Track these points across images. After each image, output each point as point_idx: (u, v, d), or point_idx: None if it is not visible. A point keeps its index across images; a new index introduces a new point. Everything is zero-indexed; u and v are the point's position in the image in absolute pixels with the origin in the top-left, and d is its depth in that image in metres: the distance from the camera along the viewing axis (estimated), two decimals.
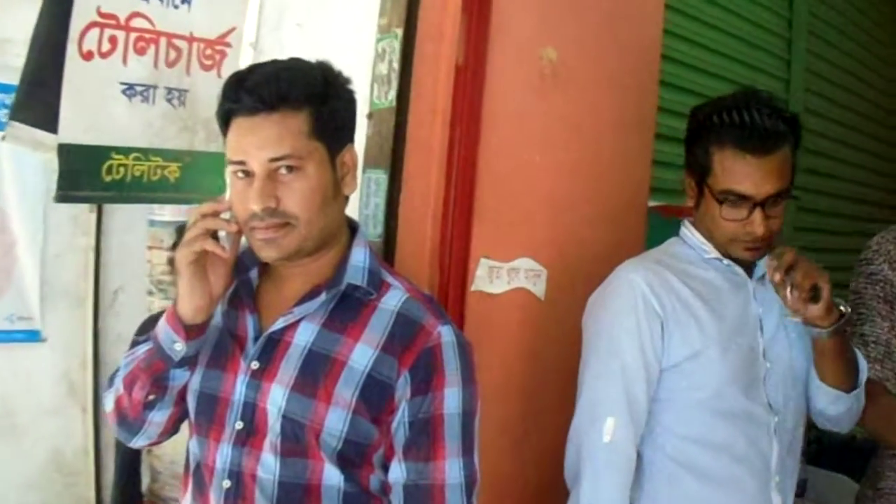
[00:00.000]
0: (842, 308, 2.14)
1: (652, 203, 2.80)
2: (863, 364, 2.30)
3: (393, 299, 1.76)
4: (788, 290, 2.07)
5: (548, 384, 2.26)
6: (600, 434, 2.06)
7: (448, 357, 1.73)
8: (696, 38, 3.56)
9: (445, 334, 1.73)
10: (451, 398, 1.73)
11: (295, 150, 1.66)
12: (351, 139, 1.79)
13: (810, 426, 4.25)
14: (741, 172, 2.06)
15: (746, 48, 4.00)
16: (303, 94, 1.69)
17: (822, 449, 4.60)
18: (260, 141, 1.66)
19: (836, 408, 2.26)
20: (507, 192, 2.24)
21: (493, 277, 2.22)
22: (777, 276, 2.06)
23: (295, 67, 1.74)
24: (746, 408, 2.13)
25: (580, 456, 2.09)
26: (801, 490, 3.66)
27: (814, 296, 2.07)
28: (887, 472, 2.66)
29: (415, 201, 2.15)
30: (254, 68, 1.76)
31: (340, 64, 1.77)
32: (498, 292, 2.24)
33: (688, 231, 2.22)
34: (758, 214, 2.06)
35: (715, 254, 2.17)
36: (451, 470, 1.73)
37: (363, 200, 2.22)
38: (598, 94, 2.46)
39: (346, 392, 1.69)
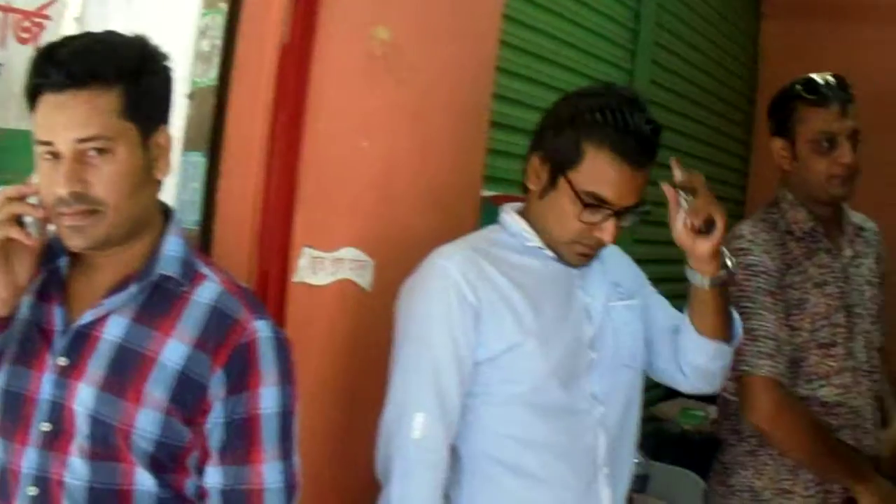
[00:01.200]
0: (728, 261, 2.16)
1: (486, 192, 2.81)
2: (737, 317, 2.33)
3: (207, 292, 1.71)
4: (681, 216, 2.09)
5: (376, 379, 2.22)
6: (410, 430, 2.03)
7: (264, 354, 1.69)
8: (537, 25, 3.56)
9: (262, 329, 1.70)
10: (268, 397, 1.69)
11: (105, 130, 1.60)
12: (166, 120, 1.73)
13: (647, 419, 4.36)
14: (613, 179, 2.06)
15: (591, 37, 4.04)
16: (115, 70, 1.62)
17: (658, 443, 4.72)
18: (67, 120, 1.60)
19: (715, 362, 2.28)
20: (332, 178, 2.20)
21: (316, 268, 2.17)
22: (671, 192, 2.09)
23: (109, 41, 1.68)
24: (568, 401, 2.14)
25: (389, 453, 2.06)
26: (643, 486, 3.73)
27: (707, 231, 2.09)
28: (739, 469, 2.74)
29: (234, 187, 2.09)
30: (66, 41, 1.69)
31: (164, 39, 1.71)
32: (322, 284, 2.20)
33: (509, 218, 2.21)
34: (612, 223, 2.07)
35: (537, 242, 2.15)
36: (269, 474, 1.70)
37: (181, 185, 2.16)
38: (432, 79, 2.43)
39: (156, 392, 1.64)
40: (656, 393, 5.05)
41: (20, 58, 2.48)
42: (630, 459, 2.33)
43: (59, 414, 1.65)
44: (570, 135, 2.08)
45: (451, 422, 2.08)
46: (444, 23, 2.48)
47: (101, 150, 1.61)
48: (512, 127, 3.25)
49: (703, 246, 2.08)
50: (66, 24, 2.62)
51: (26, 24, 2.54)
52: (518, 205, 2.24)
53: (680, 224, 2.10)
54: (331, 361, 2.26)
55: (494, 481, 2.13)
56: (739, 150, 6.07)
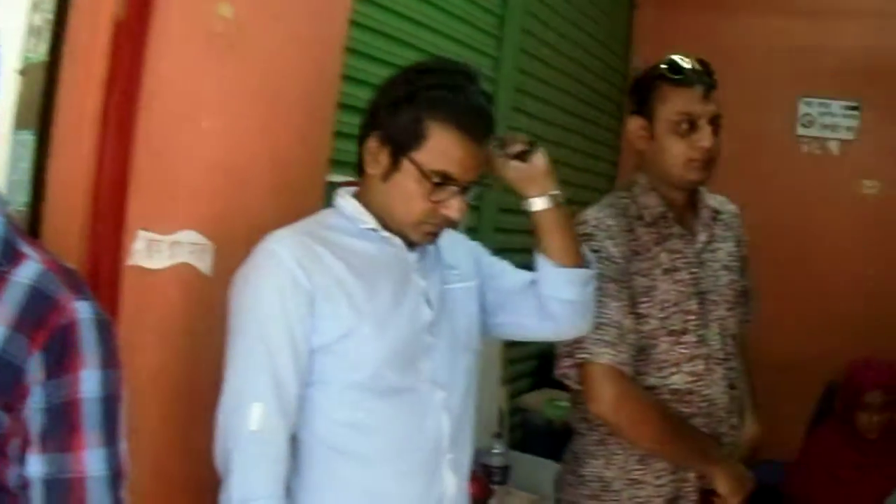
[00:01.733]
0: (555, 192, 2.24)
1: (336, 178, 2.81)
2: (588, 254, 2.40)
3: (26, 271, 1.64)
4: (501, 159, 2.20)
5: (218, 366, 2.20)
6: (247, 421, 2.00)
7: (85, 336, 1.63)
8: (394, 7, 3.56)
9: (82, 311, 1.63)
10: (89, 381, 1.63)
11: None
12: None
13: (514, 411, 4.40)
14: (459, 156, 2.06)
15: (454, 22, 4.05)
16: None
17: (525, 434, 4.77)
18: None
19: (583, 290, 2.31)
20: (170, 160, 2.15)
21: (152, 251, 2.12)
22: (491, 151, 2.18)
23: None
24: (408, 386, 2.13)
25: (228, 445, 2.03)
26: (504, 477, 3.76)
27: (523, 156, 2.19)
28: (589, 458, 2.75)
29: (65, 168, 2.03)
30: None
31: None
32: (158, 267, 2.15)
33: (343, 201, 2.20)
34: (459, 199, 2.07)
35: (372, 224, 2.15)
36: (92, 461, 1.64)
37: (11, 165, 2.09)
38: (277, 58, 2.40)
39: None
40: (523, 384, 5.10)
41: None
42: (470, 445, 2.35)
43: None
44: (411, 113, 2.08)
45: (289, 412, 2.05)
46: (289, 0, 2.45)
47: None
48: (363, 110, 3.24)
49: (521, 168, 2.24)
50: None
51: None
52: (353, 188, 2.23)
53: (499, 159, 2.22)
54: (170, 347, 2.21)
55: (336, 470, 2.12)
56: (610, 140, 6.15)
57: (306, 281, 2.05)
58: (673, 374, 2.70)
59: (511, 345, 4.40)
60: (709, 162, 2.69)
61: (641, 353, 2.67)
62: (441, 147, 2.06)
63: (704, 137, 2.65)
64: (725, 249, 2.89)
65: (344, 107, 2.74)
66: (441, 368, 2.21)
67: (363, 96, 3.15)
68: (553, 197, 2.25)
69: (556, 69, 5.22)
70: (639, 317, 2.66)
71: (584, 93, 5.65)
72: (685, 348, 2.71)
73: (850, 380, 4.49)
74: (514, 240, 3.97)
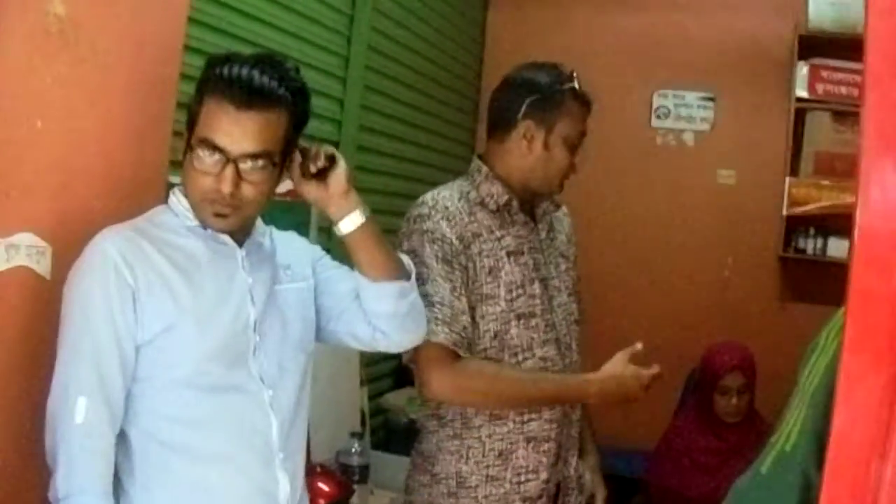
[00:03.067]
0: (362, 213, 2.31)
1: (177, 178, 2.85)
2: (405, 257, 2.47)
3: None
4: (296, 169, 2.26)
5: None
6: (73, 415, 2.04)
7: None
8: (234, 4, 3.60)
9: None
10: None
11: None
12: None
13: (375, 411, 4.46)
14: (221, 123, 2.12)
15: (299, 20, 4.09)
16: None
17: (388, 434, 4.83)
18: None
19: (388, 303, 2.37)
20: (4, 160, 2.15)
21: None
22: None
23: None
24: (234, 383, 2.20)
25: (55, 439, 2.07)
26: (364, 476, 3.82)
27: (324, 174, 2.25)
28: (442, 455, 2.80)
29: None
30: None
31: None
32: None
33: (175, 198, 2.25)
34: (230, 171, 2.12)
35: (197, 221, 2.21)
36: None
37: None
38: (113, 58, 2.40)
39: None
40: (384, 384, 5.16)
41: None
42: (302, 446, 2.40)
43: None
44: (197, 95, 2.18)
45: (114, 406, 2.10)
46: None
47: None
48: None
49: (330, 187, 2.28)
50: None
51: None
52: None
53: (297, 175, 2.27)
54: (8, 351, 2.21)
55: (167, 466, 2.16)
56: (465, 138, 6.22)
57: (131, 277, 2.10)
58: (527, 358, 2.79)
59: None
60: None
61: (496, 338, 2.75)
62: (207, 117, 2.15)
63: (579, 155, 2.85)
64: (561, 240, 3.03)
65: (184, 106, 2.75)
66: (269, 367, 2.26)
67: None
68: (356, 217, 2.32)
69: (407, 67, 5.27)
70: (486, 298, 2.75)
71: (436, 90, 5.70)
72: (535, 332, 2.80)
73: (706, 364, 4.60)
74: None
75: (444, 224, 2.70)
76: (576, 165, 2.84)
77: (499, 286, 2.76)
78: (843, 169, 5.67)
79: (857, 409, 1.20)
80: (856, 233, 1.18)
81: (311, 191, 2.30)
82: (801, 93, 5.79)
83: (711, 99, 6.26)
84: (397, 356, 5.14)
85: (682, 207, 6.19)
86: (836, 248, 5.73)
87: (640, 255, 6.13)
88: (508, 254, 2.80)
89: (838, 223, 5.71)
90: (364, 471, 3.76)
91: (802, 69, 5.74)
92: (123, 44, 2.45)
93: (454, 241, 2.70)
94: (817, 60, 5.73)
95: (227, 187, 2.13)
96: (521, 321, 2.78)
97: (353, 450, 3.79)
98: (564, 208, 3.12)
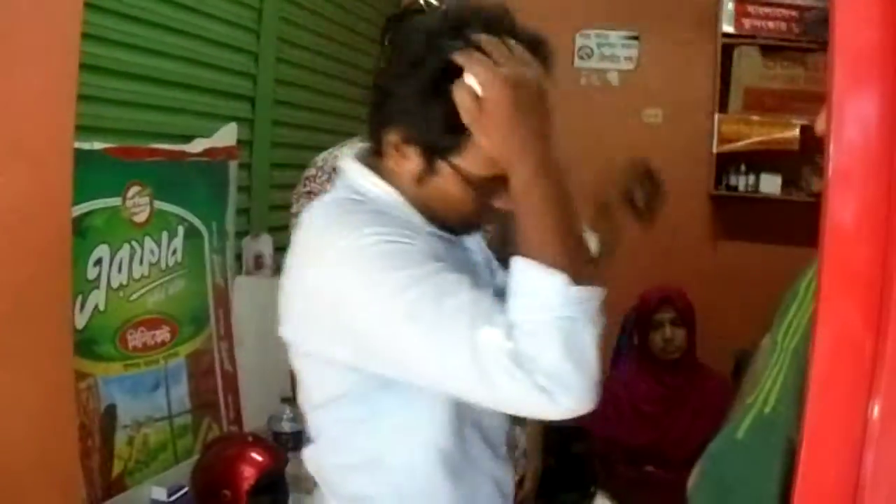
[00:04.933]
0: None
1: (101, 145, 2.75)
2: None
3: None
4: None
5: None
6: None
7: None
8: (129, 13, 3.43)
9: None
10: None
11: None
12: None
13: None
14: None
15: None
16: None
17: None
18: None
19: None
20: None
21: None
22: None
23: None
24: None
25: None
26: (297, 443, 3.72)
27: None
28: None
29: None
30: None
31: None
32: None
33: None
34: None
35: None
36: None
37: None
38: (10, 19, 2.29)
39: None
40: None
41: None
42: None
43: None
44: None
45: None
46: (14, 16, 2.29)
47: None
48: (108, 70, 3.22)
49: None
50: None
51: None
52: None
53: None
54: None
55: None
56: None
57: None
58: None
59: None
60: None
61: None
62: None
63: None
64: None
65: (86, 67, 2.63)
66: None
67: (105, 55, 3.12)
68: None
69: (321, 15, 5.12)
70: None
71: (352, 37, 5.54)
72: None
73: (640, 305, 4.61)
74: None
75: (329, 186, 2.65)
76: None
77: None
78: (773, 104, 5.66)
79: (836, 346, 1.14)
80: (829, 171, 1.10)
81: None
82: (728, 28, 5.76)
83: (636, 38, 6.21)
84: None
85: (609, 148, 6.11)
86: (769, 184, 5.73)
87: None
88: None
89: (770, 159, 5.71)
90: (297, 437, 3.64)
91: (728, 4, 5.73)
92: (14, 66, 2.29)
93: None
94: None
95: None
96: None
97: (285, 416, 3.68)
98: None
